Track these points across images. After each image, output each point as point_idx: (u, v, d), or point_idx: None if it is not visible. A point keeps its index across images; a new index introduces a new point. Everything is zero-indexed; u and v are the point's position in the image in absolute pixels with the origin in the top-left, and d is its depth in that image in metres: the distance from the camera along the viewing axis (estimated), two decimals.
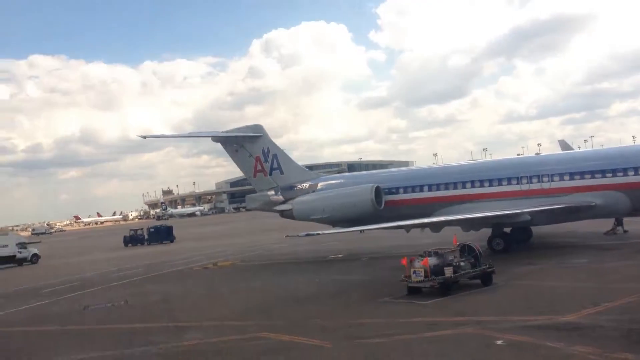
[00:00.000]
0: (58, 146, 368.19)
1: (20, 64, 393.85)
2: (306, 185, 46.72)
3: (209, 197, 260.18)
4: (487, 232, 38.94)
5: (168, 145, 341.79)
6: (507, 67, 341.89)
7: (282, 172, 47.99)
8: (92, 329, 27.02)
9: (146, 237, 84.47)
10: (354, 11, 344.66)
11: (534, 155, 44.82)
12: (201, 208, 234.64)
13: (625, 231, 41.04)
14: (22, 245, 67.68)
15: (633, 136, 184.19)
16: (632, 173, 35.57)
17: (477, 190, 40.16)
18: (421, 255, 27.29)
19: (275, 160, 48.06)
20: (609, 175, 36.29)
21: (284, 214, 47.05)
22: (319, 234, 31.89)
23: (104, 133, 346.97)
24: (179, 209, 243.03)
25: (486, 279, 27.55)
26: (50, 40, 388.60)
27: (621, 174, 35.94)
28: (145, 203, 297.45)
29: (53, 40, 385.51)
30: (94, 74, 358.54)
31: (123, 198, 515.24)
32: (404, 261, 27.20)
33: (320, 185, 46.34)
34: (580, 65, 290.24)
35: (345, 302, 27.55)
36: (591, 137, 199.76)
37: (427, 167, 58.97)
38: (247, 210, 68.11)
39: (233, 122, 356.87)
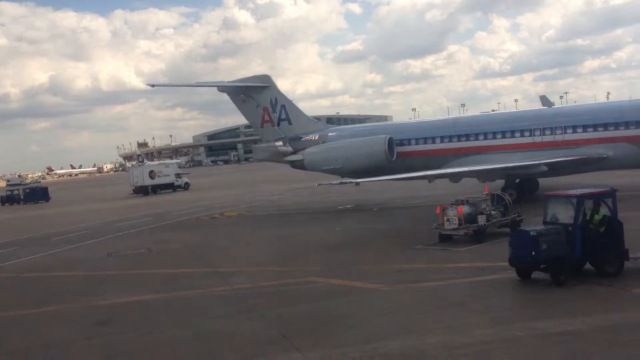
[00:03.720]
0: (26, 96, 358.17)
1: None
2: (315, 136, 46.71)
3: (185, 150, 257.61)
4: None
5: (141, 97, 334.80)
6: (484, 22, 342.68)
7: (290, 123, 47.82)
8: (128, 274, 27.09)
9: (22, 196, 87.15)
10: None
11: (543, 107, 45.14)
12: (179, 161, 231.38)
13: None
14: (178, 175, 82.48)
15: (608, 92, 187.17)
16: None
17: (489, 142, 40.71)
18: (454, 204, 27.85)
19: (283, 110, 47.80)
20: (621, 127, 37.08)
21: (294, 164, 47.11)
22: (357, 182, 32.24)
23: (74, 83, 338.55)
24: (155, 162, 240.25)
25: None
26: None
27: (634, 127, 36.74)
28: (120, 155, 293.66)
29: None
30: (62, 22, 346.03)
31: (96, 150, 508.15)
32: (438, 210, 27.84)
33: (330, 135, 46.38)
34: (555, 22, 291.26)
35: (377, 249, 28.08)
36: (566, 93, 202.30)
37: (438, 118, 59.53)
38: (256, 160, 69.49)
39: (206, 74, 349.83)
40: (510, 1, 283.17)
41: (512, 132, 40.03)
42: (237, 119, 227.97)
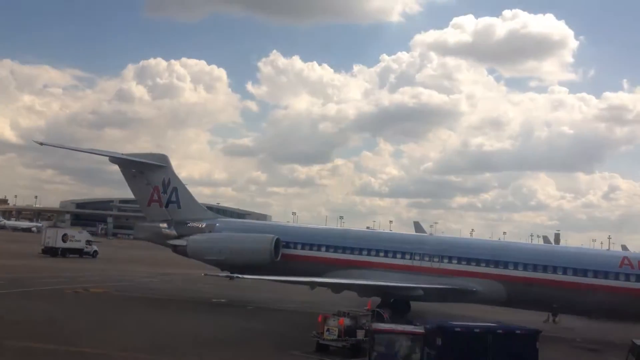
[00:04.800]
0: None
1: None
2: (203, 224, 45.96)
3: (49, 215, 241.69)
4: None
5: (10, 150, 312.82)
6: (371, 143, 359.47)
7: (179, 207, 46.86)
8: None
9: None
10: (236, 59, 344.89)
11: (428, 235, 47.73)
12: (39, 224, 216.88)
13: (554, 322, 43.83)
14: (89, 242, 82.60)
15: (472, 229, 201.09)
16: (512, 267, 39.38)
17: (371, 259, 42.01)
18: (336, 315, 28.14)
19: (174, 193, 46.91)
20: (491, 265, 39.84)
21: (176, 249, 45.70)
22: (239, 277, 31.74)
23: None
24: (13, 222, 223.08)
25: None
26: None
27: (502, 266, 39.64)
28: None
29: None
30: None
31: None
32: (320, 318, 27.98)
33: (217, 226, 45.86)
34: (434, 156, 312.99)
35: (253, 350, 27.54)
36: (436, 223, 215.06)
37: (327, 228, 60.66)
38: (135, 239, 67.47)
39: (88, 140, 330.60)
40: (396, 129, 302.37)
41: (394, 253, 41.70)
42: (111, 192, 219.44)
